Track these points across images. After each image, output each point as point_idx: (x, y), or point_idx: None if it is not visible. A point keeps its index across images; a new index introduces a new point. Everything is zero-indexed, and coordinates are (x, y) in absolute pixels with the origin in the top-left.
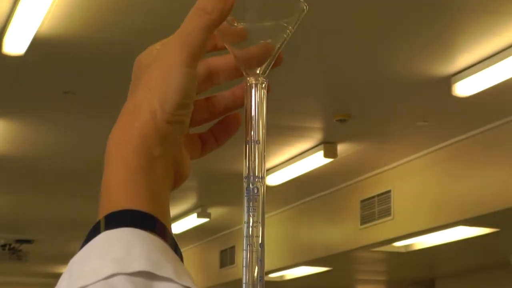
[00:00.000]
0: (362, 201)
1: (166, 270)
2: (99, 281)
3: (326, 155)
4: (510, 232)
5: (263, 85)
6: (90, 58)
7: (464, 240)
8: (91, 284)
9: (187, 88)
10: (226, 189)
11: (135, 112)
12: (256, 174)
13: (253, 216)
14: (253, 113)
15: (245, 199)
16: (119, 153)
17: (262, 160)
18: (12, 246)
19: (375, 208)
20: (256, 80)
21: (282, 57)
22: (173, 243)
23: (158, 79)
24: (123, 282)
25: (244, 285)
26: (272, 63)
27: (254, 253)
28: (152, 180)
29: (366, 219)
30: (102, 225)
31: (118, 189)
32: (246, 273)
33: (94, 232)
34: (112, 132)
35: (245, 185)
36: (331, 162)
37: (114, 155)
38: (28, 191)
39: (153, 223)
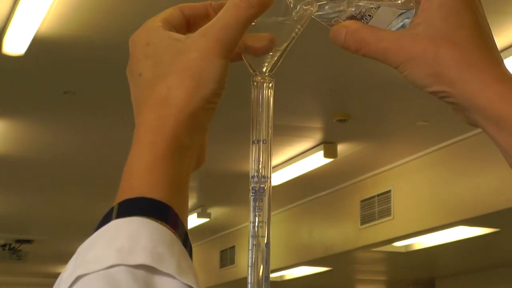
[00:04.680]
0: (362, 201)
1: (169, 265)
2: (100, 270)
3: (326, 155)
4: (510, 232)
5: (270, 84)
6: (90, 58)
7: (464, 240)
8: (92, 273)
9: (224, 79)
10: (226, 189)
11: (171, 97)
12: (263, 174)
13: (259, 216)
14: (259, 113)
15: (251, 199)
16: (149, 138)
17: (269, 159)
18: (12, 246)
19: (375, 208)
20: (263, 78)
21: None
22: (184, 235)
23: (198, 67)
24: (123, 274)
25: (249, 285)
26: (280, 61)
27: (259, 253)
28: (177, 170)
29: (366, 219)
30: (114, 212)
31: (140, 174)
32: (251, 273)
33: (106, 218)
34: (143, 114)
35: (251, 184)
36: (331, 162)
37: (144, 139)
38: (28, 191)
39: (166, 214)
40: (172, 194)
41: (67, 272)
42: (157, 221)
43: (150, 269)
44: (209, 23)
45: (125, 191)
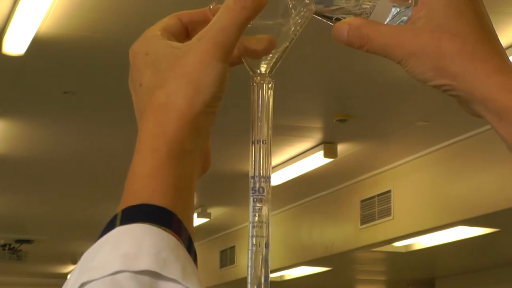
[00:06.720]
0: (362, 201)
1: (173, 270)
2: (104, 276)
3: (326, 155)
4: (510, 232)
5: (270, 85)
6: (90, 58)
7: (464, 240)
8: (97, 279)
9: (223, 83)
10: (226, 189)
11: (169, 103)
12: (262, 174)
13: (259, 216)
14: (259, 113)
15: (251, 199)
16: (150, 144)
17: (268, 160)
18: (12, 246)
19: (375, 208)
20: (262, 79)
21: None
22: (188, 240)
23: (196, 71)
24: (128, 280)
25: (248, 285)
26: (279, 62)
27: (259, 253)
28: (180, 175)
29: (366, 219)
30: (118, 219)
31: (143, 181)
32: (251, 273)
33: (110, 225)
34: (144, 122)
35: (251, 185)
36: (331, 162)
37: (145, 145)
38: (28, 191)
39: (169, 220)
40: (176, 199)
41: (72, 279)
42: (160, 227)
43: (155, 275)
44: (205, 28)
45: (128, 197)
